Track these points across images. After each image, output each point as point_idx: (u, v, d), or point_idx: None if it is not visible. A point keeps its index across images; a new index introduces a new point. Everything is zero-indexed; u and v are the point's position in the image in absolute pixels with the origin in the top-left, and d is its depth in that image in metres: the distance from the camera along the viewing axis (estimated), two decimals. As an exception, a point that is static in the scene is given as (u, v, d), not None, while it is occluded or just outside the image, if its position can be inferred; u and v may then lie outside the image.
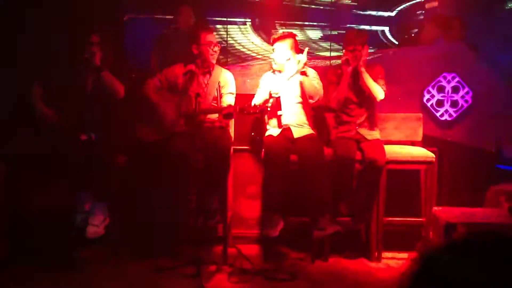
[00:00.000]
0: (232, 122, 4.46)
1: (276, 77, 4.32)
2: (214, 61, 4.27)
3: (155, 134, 4.16)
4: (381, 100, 4.27)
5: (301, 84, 4.23)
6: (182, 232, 4.14)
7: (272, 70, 4.40)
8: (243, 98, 4.42)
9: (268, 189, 4.07)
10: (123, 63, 4.74)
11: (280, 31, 4.69)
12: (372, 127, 4.35)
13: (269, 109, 4.20)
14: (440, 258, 0.97)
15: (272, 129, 4.33)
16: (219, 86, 4.28)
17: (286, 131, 4.26)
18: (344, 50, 4.35)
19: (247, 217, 4.63)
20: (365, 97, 4.30)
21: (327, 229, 3.96)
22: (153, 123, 4.20)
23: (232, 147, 4.36)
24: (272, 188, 4.02)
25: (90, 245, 4.18)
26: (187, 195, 4.03)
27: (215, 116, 4.24)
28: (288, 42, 4.33)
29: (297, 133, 4.25)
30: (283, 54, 4.32)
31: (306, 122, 4.35)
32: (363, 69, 4.20)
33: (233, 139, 4.45)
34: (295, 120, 4.31)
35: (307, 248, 4.13)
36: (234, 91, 4.35)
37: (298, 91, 4.31)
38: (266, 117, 4.42)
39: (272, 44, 4.37)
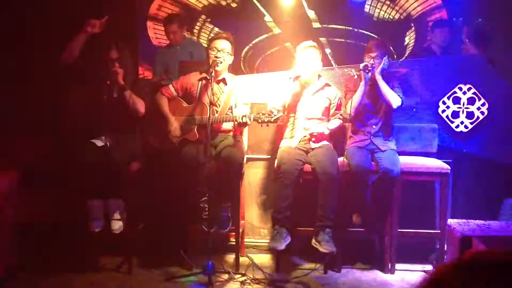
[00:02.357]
0: (246, 131, 4.47)
1: (298, 86, 4.28)
2: (218, 68, 4.12)
3: (166, 142, 4.18)
4: (397, 110, 4.24)
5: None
6: (194, 240, 4.14)
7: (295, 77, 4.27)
8: (258, 107, 4.44)
9: (278, 203, 4.04)
10: (140, 78, 4.81)
11: (308, 42, 4.31)
12: (386, 136, 4.32)
13: (283, 119, 4.17)
14: (450, 280, 0.96)
15: (289, 140, 4.28)
16: (234, 95, 4.28)
17: (303, 141, 4.23)
18: (364, 57, 4.26)
19: (260, 226, 4.62)
20: (381, 105, 4.28)
21: (322, 246, 3.89)
22: (164, 131, 4.22)
23: (245, 156, 4.36)
24: (282, 202, 4.00)
25: (103, 252, 4.21)
26: (200, 203, 4.03)
27: (229, 125, 4.24)
28: (317, 53, 4.26)
29: (314, 144, 4.23)
30: (310, 65, 4.23)
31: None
32: (379, 77, 4.17)
33: (246, 148, 4.45)
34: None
35: (320, 258, 4.10)
36: (248, 100, 4.35)
37: (318, 109, 4.30)
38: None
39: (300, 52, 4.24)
